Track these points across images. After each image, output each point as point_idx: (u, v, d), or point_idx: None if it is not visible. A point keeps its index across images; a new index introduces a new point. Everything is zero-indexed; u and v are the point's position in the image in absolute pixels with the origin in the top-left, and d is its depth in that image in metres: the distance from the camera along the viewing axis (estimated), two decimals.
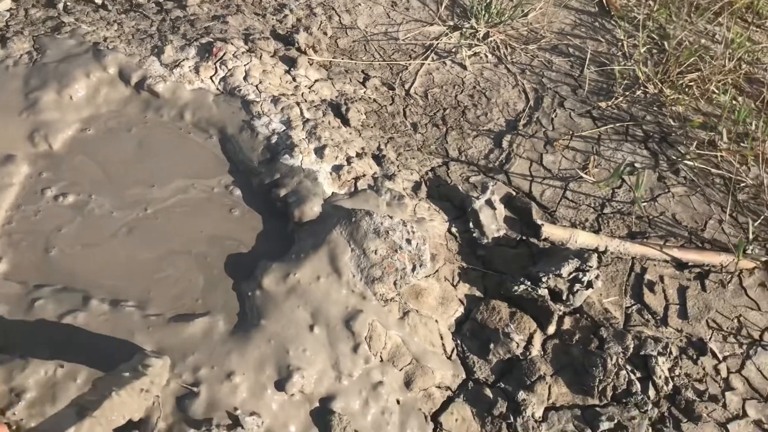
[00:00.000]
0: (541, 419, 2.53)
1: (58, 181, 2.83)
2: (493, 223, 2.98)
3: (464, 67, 3.86)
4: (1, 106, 2.96)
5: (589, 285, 2.74)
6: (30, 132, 2.93)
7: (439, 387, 2.56)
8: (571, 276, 2.74)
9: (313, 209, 2.72)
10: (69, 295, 2.47)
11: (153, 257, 2.64)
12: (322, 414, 2.36)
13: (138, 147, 2.97)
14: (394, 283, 2.57)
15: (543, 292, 2.73)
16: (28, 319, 2.40)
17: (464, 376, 2.61)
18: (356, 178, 2.91)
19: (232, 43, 3.32)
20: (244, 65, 3.23)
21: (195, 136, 3.03)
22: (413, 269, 2.59)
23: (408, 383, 2.50)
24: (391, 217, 2.65)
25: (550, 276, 2.73)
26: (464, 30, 4.03)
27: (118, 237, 2.68)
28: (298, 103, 3.13)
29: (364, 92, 3.57)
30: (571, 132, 3.58)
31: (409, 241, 2.60)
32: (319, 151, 2.93)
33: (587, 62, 4.01)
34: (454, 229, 3.01)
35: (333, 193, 2.83)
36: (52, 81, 3.05)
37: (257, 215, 2.81)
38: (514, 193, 3.23)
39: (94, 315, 2.42)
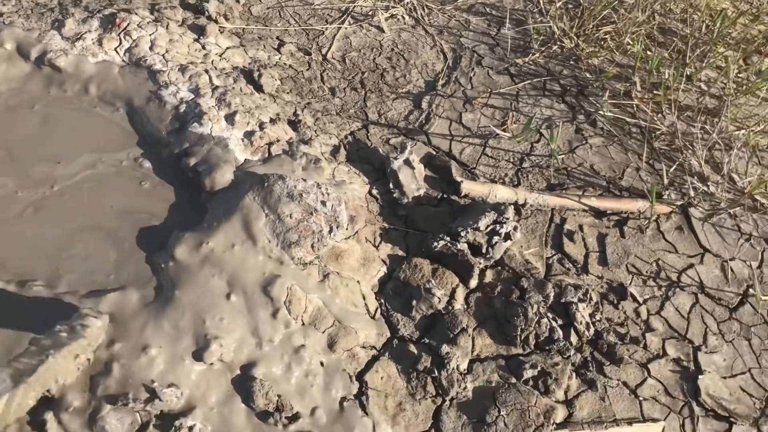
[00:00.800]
0: (465, 371, 2.55)
1: None
2: (413, 182, 2.97)
3: (382, 30, 3.83)
4: None
5: (507, 237, 2.76)
6: None
7: (363, 347, 2.55)
8: (488, 229, 2.76)
9: (224, 177, 2.66)
10: None
11: (62, 235, 2.55)
12: (244, 381, 2.33)
13: (42, 124, 2.85)
14: (312, 246, 2.54)
15: (462, 246, 2.74)
16: None
17: (389, 334, 2.61)
18: (270, 144, 2.86)
19: (136, 13, 3.22)
20: (150, 35, 3.13)
21: (101, 110, 2.94)
22: (330, 231, 2.57)
23: (331, 345, 2.49)
24: (304, 180, 2.61)
25: (468, 230, 2.74)
26: None
27: (24, 216, 2.59)
28: (207, 71, 3.05)
29: (279, 58, 3.51)
30: (489, 90, 3.59)
31: (324, 203, 2.57)
32: (230, 118, 2.87)
33: (507, 20, 4.01)
34: (375, 191, 2.99)
35: (246, 159, 2.78)
36: None
37: (168, 186, 2.74)
38: (434, 153, 3.23)
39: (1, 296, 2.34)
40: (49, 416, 2.17)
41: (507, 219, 2.75)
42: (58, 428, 2.17)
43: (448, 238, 2.74)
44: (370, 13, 3.91)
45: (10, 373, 1.94)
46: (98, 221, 2.60)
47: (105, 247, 2.53)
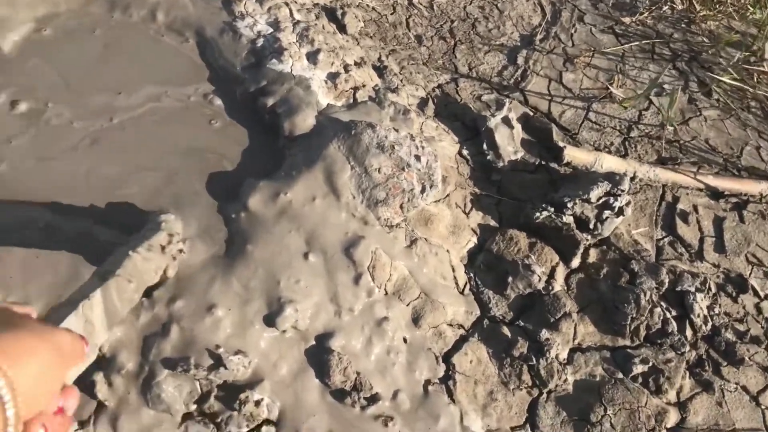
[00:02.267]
0: (565, 361, 2.23)
1: (8, 86, 2.42)
2: (510, 144, 2.63)
3: None
4: None
5: (620, 212, 2.41)
6: None
7: (450, 324, 2.24)
8: (600, 201, 2.41)
9: (305, 121, 2.34)
10: (20, 213, 2.10)
11: (119, 172, 2.26)
12: (319, 353, 2.04)
13: (103, 50, 2.56)
14: (401, 207, 2.22)
15: (568, 219, 2.40)
16: None
17: (479, 312, 2.29)
18: (355, 89, 2.53)
19: None
20: None
21: (169, 39, 2.63)
22: (422, 191, 2.24)
23: (416, 320, 2.18)
24: (397, 131, 2.28)
25: (577, 201, 2.40)
26: None
27: (78, 149, 2.30)
28: (287, 3, 2.72)
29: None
30: (592, 49, 3.21)
31: (418, 158, 2.24)
32: (312, 56, 2.54)
33: None
34: (465, 152, 2.66)
35: (328, 104, 2.45)
36: None
37: (241, 128, 2.42)
38: (531, 113, 2.87)
39: (46, 234, 2.07)
40: (99, 377, 1.90)
41: (622, 191, 2.39)
42: (108, 392, 1.90)
43: (551, 209, 2.40)
44: None
45: (96, 274, 1.79)
46: (160, 160, 2.30)
47: (167, 190, 2.23)
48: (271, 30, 2.59)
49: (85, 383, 1.88)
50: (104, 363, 1.91)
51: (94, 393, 1.89)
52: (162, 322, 1.96)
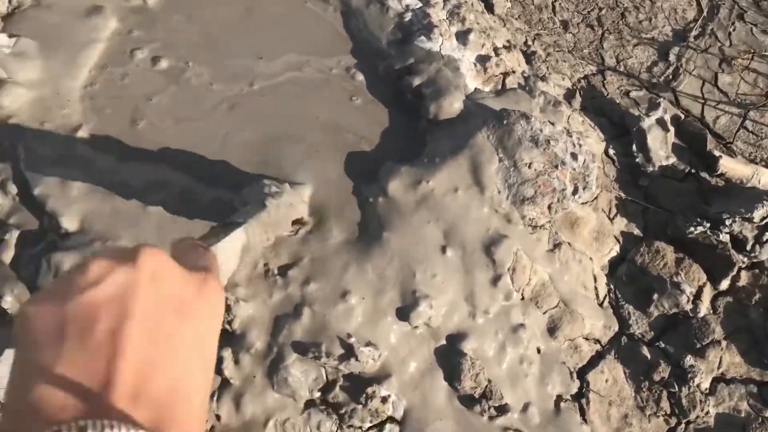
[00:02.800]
0: (708, 391, 2.06)
1: (151, 42, 2.37)
2: (663, 148, 2.43)
3: None
4: None
5: None
6: None
7: (587, 338, 2.10)
8: (764, 221, 2.20)
9: (453, 105, 2.21)
10: (158, 174, 2.06)
11: (256, 139, 2.19)
12: (450, 354, 1.93)
13: (246, 12, 2.47)
14: (549, 207, 2.07)
15: (725, 237, 2.20)
16: (108, 193, 2.01)
17: (617, 328, 2.14)
18: (504, 74, 2.38)
19: None
20: None
21: (313, 6, 2.52)
22: (575, 192, 2.08)
23: (552, 330, 2.05)
24: (552, 124, 2.12)
25: (737, 219, 2.19)
26: None
27: (216, 112, 2.24)
28: None
29: None
30: (752, 50, 2.94)
31: (574, 156, 2.08)
32: (462, 36, 2.39)
33: None
34: (611, 151, 2.47)
35: (476, 88, 2.31)
36: None
37: (383, 107, 2.31)
38: (683, 116, 2.65)
39: (182, 197, 2.02)
40: (227, 354, 1.84)
41: None
42: (235, 369, 1.84)
43: (707, 225, 2.21)
44: None
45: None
46: (298, 131, 2.21)
47: (303, 164, 2.14)
48: (420, 4, 2.45)
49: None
50: (234, 339, 1.86)
51: (220, 369, 1.84)
52: (294, 303, 1.88)
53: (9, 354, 1.70)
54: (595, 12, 3.00)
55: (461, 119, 2.19)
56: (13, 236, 2.03)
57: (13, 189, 2.09)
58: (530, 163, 2.05)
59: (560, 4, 3.00)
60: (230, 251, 1.61)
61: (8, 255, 1.99)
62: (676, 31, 2.99)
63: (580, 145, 2.09)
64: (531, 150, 2.05)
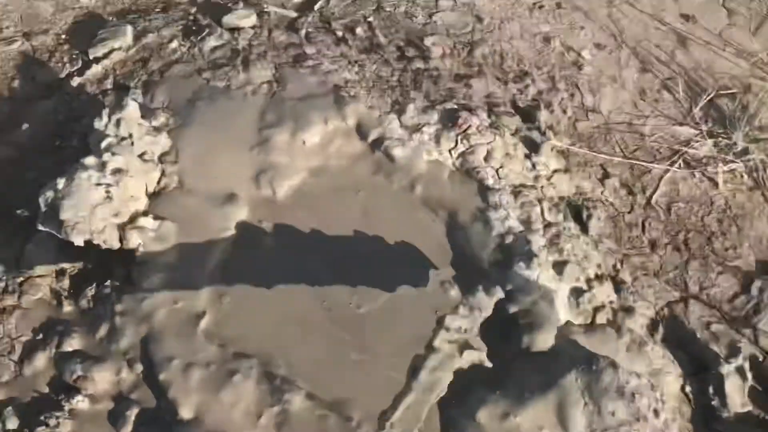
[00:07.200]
0: None
1: (277, 234, 2.64)
2: (740, 395, 2.53)
3: (715, 185, 3.38)
4: (234, 137, 2.81)
5: None
6: (257, 172, 2.76)
7: None
8: None
9: (546, 341, 2.37)
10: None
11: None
12: None
13: (363, 214, 2.72)
14: None
15: None
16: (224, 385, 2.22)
17: None
18: (595, 309, 2.54)
19: (477, 114, 3.03)
20: (487, 144, 2.92)
21: (421, 214, 2.75)
22: None
23: None
24: (638, 376, 2.25)
25: None
26: (719, 140, 3.54)
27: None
28: (539, 201, 2.79)
29: (602, 193, 3.18)
30: None
31: (656, 413, 2.20)
32: (559, 267, 2.58)
33: None
34: (688, 388, 2.57)
35: (568, 321, 2.47)
36: (288, 120, 2.87)
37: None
38: (761, 357, 2.74)
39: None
40: None
41: None
42: None
43: None
44: (704, 160, 3.48)
45: None
46: (394, 354, 2.42)
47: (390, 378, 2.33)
48: (522, 228, 2.66)
49: None
50: None
51: None
52: None
53: None
54: (682, 234, 3.15)
55: (552, 355, 2.35)
56: (132, 413, 2.25)
57: (138, 367, 2.33)
58: (614, 412, 2.18)
59: (650, 222, 3.16)
60: None
61: (126, 430, 2.21)
62: (761, 263, 3.10)
63: (663, 402, 2.21)
64: (616, 400, 2.19)
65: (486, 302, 2.50)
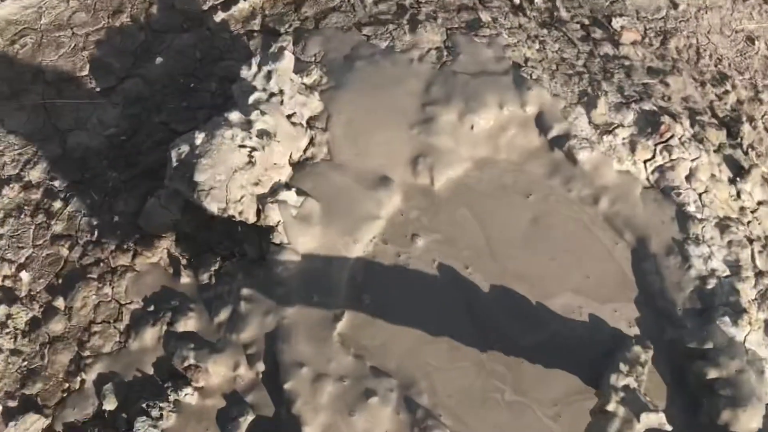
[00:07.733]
0: None
1: (432, 231, 2.25)
2: None
3: None
4: (394, 109, 2.42)
5: None
6: (414, 155, 2.37)
7: None
8: None
9: (751, 421, 1.92)
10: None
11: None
12: None
13: (531, 223, 2.30)
14: None
15: None
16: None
17: None
18: None
19: (680, 122, 2.53)
20: (691, 160, 2.43)
21: (601, 233, 2.31)
22: None
23: None
24: None
25: None
26: None
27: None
28: (750, 240, 2.30)
29: None
30: None
31: None
32: None
33: None
34: None
35: None
36: (458, 98, 2.45)
37: (658, 381, 2.06)
38: None
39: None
40: None
41: None
42: None
43: None
44: None
45: None
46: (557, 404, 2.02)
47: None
48: (728, 273, 2.18)
49: None
50: None
51: None
52: None
53: None
54: None
55: None
56: (246, 419, 1.94)
57: (260, 366, 2.01)
58: None
59: None
60: None
61: None
62: None
63: None
64: None
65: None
